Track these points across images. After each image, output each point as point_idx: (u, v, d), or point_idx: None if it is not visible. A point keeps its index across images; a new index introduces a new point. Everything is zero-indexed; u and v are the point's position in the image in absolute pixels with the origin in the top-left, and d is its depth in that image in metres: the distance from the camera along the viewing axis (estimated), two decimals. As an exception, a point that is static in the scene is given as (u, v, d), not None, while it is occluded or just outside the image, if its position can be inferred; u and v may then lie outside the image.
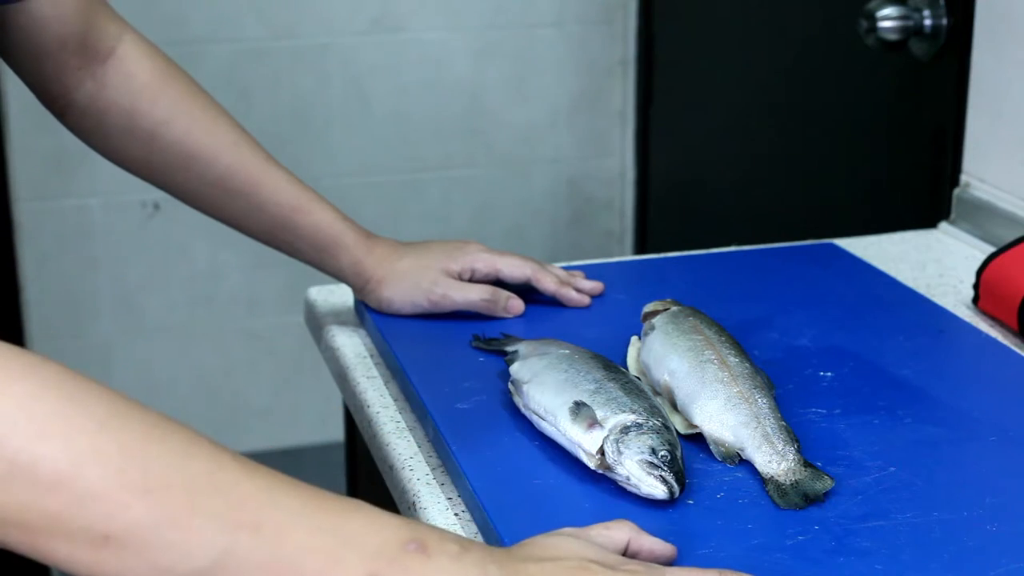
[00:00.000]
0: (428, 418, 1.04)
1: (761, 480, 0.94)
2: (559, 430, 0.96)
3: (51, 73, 1.14)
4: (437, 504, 0.96)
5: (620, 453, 0.91)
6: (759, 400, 0.99)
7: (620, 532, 0.81)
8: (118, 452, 0.68)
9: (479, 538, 0.91)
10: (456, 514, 0.95)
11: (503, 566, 0.74)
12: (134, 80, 1.17)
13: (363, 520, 0.72)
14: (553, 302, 1.25)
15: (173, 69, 1.19)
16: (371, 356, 1.21)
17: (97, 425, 0.68)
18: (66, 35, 1.13)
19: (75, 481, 0.67)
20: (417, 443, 1.05)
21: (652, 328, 1.10)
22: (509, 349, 1.10)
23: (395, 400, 1.13)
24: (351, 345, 1.23)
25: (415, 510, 0.96)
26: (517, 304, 1.23)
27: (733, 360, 1.03)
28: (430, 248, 1.25)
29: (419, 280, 1.21)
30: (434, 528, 0.76)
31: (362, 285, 1.23)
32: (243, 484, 0.70)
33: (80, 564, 0.68)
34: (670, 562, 0.83)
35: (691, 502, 0.92)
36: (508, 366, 1.06)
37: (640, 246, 2.62)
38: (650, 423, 0.93)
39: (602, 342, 1.11)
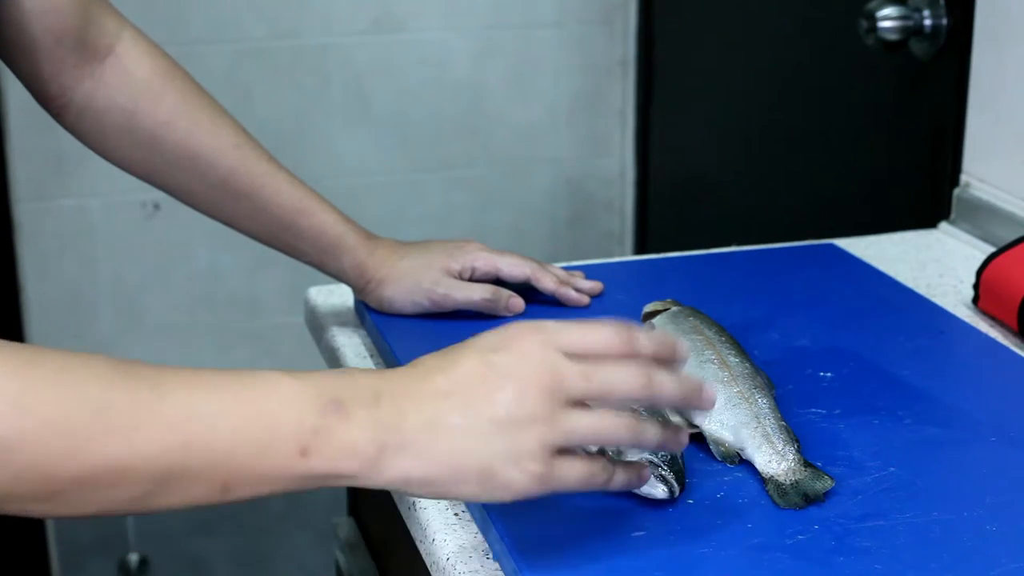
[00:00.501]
0: (428, 418, 1.04)
1: (761, 480, 0.94)
2: (559, 430, 0.96)
3: (48, 71, 1.13)
4: (436, 504, 0.96)
5: (620, 453, 0.91)
6: (759, 400, 0.99)
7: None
8: (40, 424, 0.71)
9: (478, 538, 0.91)
10: (456, 514, 0.95)
11: (419, 405, 0.76)
12: (134, 79, 1.15)
13: (280, 397, 0.75)
14: (553, 302, 1.25)
15: (173, 68, 1.18)
16: (371, 356, 1.21)
17: (13, 403, 0.71)
18: (62, 31, 1.11)
19: (8, 462, 0.70)
20: (417, 443, 1.05)
21: (652, 328, 1.10)
22: (509, 349, 1.10)
23: (395, 400, 1.12)
24: (351, 345, 1.23)
25: (415, 510, 0.96)
26: (518, 303, 1.23)
27: (733, 360, 1.03)
28: (430, 248, 1.25)
29: (420, 280, 1.21)
30: (347, 376, 0.78)
31: (363, 285, 1.23)
32: (161, 411, 0.73)
33: (35, 514, 0.74)
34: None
35: (691, 502, 0.92)
36: (508, 366, 1.06)
37: (640, 246, 2.62)
38: (650, 423, 0.93)
39: (602, 342, 1.10)
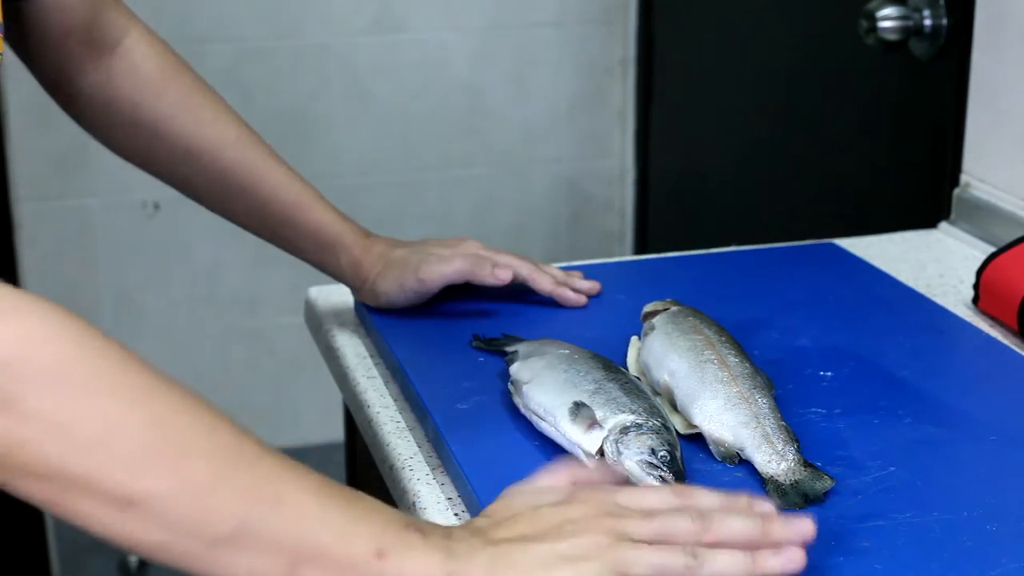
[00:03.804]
0: (428, 418, 1.04)
1: (761, 480, 0.94)
2: (559, 430, 0.96)
3: (56, 62, 1.15)
4: (437, 504, 0.96)
5: (620, 453, 0.91)
6: (759, 400, 0.99)
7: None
8: (150, 421, 0.72)
9: (479, 538, 0.91)
10: (456, 514, 0.95)
11: (488, 541, 0.77)
12: (139, 73, 1.17)
13: (369, 504, 0.77)
14: (553, 302, 1.25)
15: (179, 64, 1.20)
16: (371, 356, 1.21)
17: (133, 393, 0.73)
18: (71, 24, 1.13)
19: (108, 445, 0.71)
20: (417, 443, 1.05)
21: (652, 328, 1.10)
22: (509, 349, 1.10)
23: (395, 400, 1.13)
24: (351, 345, 1.23)
25: (415, 510, 0.96)
26: (504, 272, 1.21)
27: (733, 360, 1.03)
28: (427, 244, 1.24)
29: (407, 263, 1.20)
30: (418, 520, 0.80)
31: (360, 284, 1.23)
32: (264, 460, 0.75)
33: (100, 523, 0.72)
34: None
35: (691, 502, 0.91)
36: (508, 366, 1.06)
37: (640, 246, 2.62)
38: (650, 423, 0.93)
39: (602, 342, 1.10)
